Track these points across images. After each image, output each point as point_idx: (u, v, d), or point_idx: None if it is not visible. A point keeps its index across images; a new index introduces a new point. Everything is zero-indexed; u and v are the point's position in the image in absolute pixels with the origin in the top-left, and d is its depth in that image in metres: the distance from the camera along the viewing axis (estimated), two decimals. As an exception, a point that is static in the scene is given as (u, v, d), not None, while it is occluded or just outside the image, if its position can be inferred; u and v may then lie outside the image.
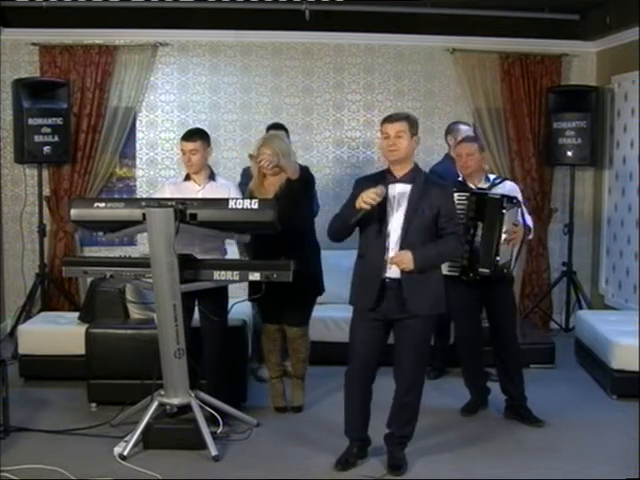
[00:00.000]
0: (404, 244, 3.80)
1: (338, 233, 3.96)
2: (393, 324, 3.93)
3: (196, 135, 4.60)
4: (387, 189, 3.82)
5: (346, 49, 6.91)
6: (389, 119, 3.90)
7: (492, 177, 4.82)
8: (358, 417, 4.03)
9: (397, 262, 3.77)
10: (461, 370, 4.97)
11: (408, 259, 3.75)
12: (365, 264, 3.91)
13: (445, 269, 4.57)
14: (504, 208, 4.46)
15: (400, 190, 3.85)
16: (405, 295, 3.81)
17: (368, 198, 3.69)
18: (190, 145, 4.53)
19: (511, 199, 4.52)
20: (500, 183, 4.75)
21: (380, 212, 3.80)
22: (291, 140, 5.94)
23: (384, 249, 3.83)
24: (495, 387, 4.89)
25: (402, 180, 3.86)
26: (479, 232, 4.50)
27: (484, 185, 4.70)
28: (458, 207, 4.54)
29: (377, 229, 3.83)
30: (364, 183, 3.89)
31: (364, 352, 3.92)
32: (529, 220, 4.74)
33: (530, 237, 4.86)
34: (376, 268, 3.84)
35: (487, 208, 4.49)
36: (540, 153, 6.89)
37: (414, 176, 3.87)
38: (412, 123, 3.88)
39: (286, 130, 5.82)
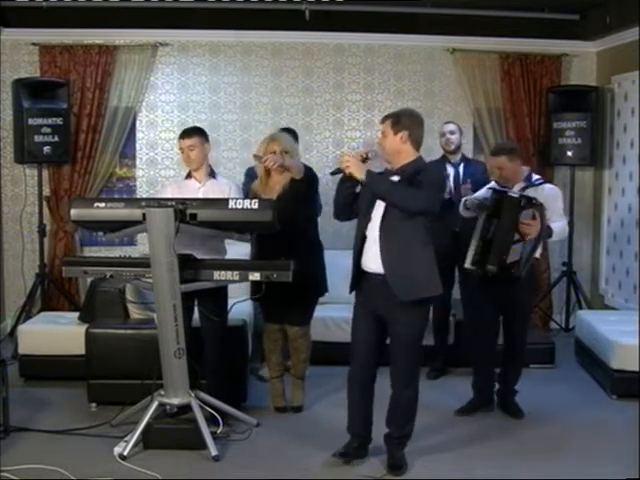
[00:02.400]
0: (383, 228, 3.83)
1: (337, 205, 4.04)
2: (387, 324, 3.94)
3: (192, 131, 4.65)
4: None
5: (346, 49, 6.91)
6: (381, 119, 4.01)
7: (535, 178, 4.78)
8: (359, 416, 4.05)
9: (342, 161, 3.83)
10: (472, 370, 4.94)
11: (354, 163, 3.79)
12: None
13: (468, 262, 4.58)
14: (521, 208, 4.40)
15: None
16: (392, 284, 3.78)
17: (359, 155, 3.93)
18: (187, 141, 4.55)
19: (530, 200, 4.44)
20: (539, 185, 4.72)
21: (370, 202, 3.87)
22: (299, 143, 5.93)
23: (362, 237, 3.90)
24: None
25: (395, 173, 3.91)
26: (492, 229, 4.49)
27: (520, 184, 4.67)
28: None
29: (363, 218, 3.91)
30: None
31: (365, 351, 3.95)
32: (557, 226, 4.67)
33: (552, 238, 4.76)
34: (354, 256, 3.95)
35: (504, 207, 4.46)
36: (540, 153, 6.89)
37: (405, 169, 3.89)
38: (396, 120, 3.89)
39: (295, 135, 5.80)
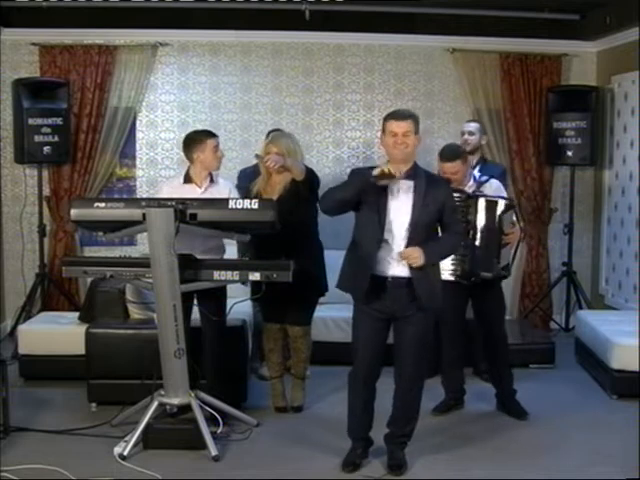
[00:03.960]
0: (411, 240, 3.79)
1: (336, 201, 3.86)
2: (394, 322, 3.93)
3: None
4: (388, 184, 3.82)
5: (346, 49, 6.91)
6: (396, 117, 3.85)
7: (477, 175, 4.80)
8: (362, 418, 4.03)
9: (407, 257, 3.75)
10: (441, 370, 4.98)
11: (418, 254, 3.74)
12: (358, 254, 3.89)
13: (445, 274, 4.57)
14: (503, 211, 4.44)
15: (402, 186, 3.84)
16: (418, 292, 3.81)
17: (388, 168, 3.71)
18: (217, 141, 4.56)
19: (508, 201, 4.50)
20: (486, 182, 4.74)
21: (380, 204, 3.80)
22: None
23: (380, 242, 3.80)
24: (492, 388, 4.92)
25: (404, 178, 3.83)
26: (478, 235, 4.49)
27: (472, 184, 4.69)
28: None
29: (376, 220, 3.80)
30: (362, 171, 3.89)
31: (368, 354, 3.92)
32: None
33: (523, 236, 4.87)
34: (367, 261, 3.82)
35: (486, 211, 4.46)
36: (540, 153, 6.89)
37: (415, 173, 3.87)
38: (416, 121, 3.88)
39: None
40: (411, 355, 3.91)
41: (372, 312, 3.89)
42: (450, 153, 4.66)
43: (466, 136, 5.62)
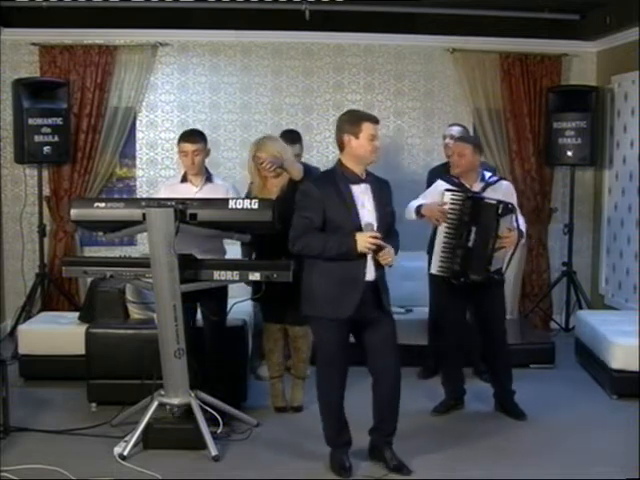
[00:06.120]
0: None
1: (312, 254, 3.87)
2: (360, 327, 3.93)
3: (197, 136, 4.60)
4: (350, 189, 3.83)
5: (346, 49, 6.91)
6: (374, 119, 3.89)
7: (487, 175, 4.76)
8: (344, 422, 4.03)
9: (386, 258, 3.80)
10: (442, 371, 4.98)
11: (391, 253, 3.83)
12: (343, 268, 3.81)
13: (434, 268, 4.60)
14: (500, 215, 4.41)
15: (362, 190, 3.87)
16: (381, 294, 3.90)
17: (369, 244, 3.74)
18: (193, 146, 4.52)
19: (507, 205, 4.46)
20: (495, 183, 4.71)
21: (355, 215, 3.82)
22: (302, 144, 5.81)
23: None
24: (490, 388, 4.91)
25: (364, 181, 3.89)
26: (472, 237, 4.47)
27: (479, 184, 4.67)
28: (452, 207, 4.53)
29: (355, 230, 3.80)
30: (321, 188, 3.85)
31: (345, 359, 3.93)
32: (522, 224, 4.69)
33: (523, 242, 4.82)
34: (359, 270, 3.83)
35: (482, 214, 4.45)
36: (540, 153, 6.89)
37: (368, 176, 3.93)
38: None
39: (298, 136, 5.69)
40: (394, 352, 3.95)
41: (344, 319, 3.87)
42: (464, 136, 4.88)
43: (447, 140, 5.50)
